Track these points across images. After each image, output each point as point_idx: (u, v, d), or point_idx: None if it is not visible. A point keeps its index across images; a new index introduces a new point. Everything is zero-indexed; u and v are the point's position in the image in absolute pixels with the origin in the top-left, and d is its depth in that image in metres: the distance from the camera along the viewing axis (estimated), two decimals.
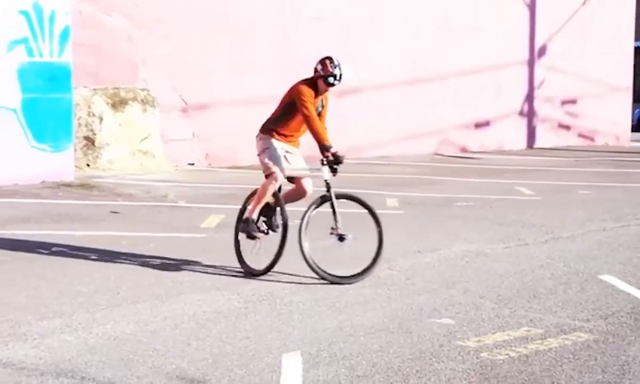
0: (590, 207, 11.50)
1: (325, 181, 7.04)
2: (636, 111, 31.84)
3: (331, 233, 7.00)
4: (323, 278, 6.91)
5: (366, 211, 7.04)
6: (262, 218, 7.30)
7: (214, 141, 17.25)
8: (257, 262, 7.16)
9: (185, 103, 16.82)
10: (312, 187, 7.30)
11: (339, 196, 7.06)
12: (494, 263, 7.84)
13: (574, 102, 24.24)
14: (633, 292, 6.54)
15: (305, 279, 7.05)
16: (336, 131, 19.25)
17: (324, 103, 7.25)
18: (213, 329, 5.56)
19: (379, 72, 20.01)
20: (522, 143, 23.38)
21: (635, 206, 11.61)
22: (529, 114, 23.48)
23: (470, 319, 5.83)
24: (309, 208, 7.04)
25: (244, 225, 7.23)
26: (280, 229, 7.18)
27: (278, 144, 7.22)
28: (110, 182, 13.59)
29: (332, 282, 6.86)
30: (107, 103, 15.28)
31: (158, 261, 7.76)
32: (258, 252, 7.18)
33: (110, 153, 15.21)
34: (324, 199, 7.05)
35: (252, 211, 7.21)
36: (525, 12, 22.98)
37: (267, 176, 7.17)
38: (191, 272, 7.32)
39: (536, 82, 23.21)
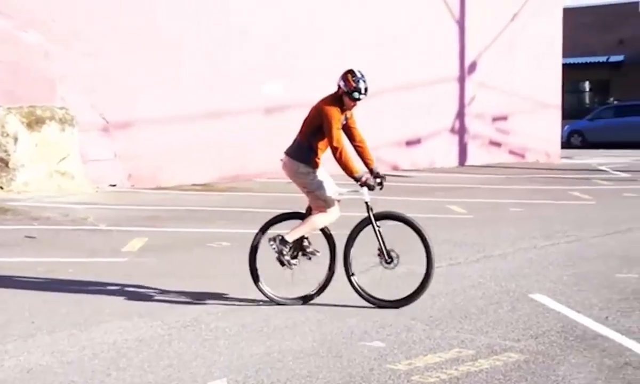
0: (521, 225, 11.76)
1: (366, 203, 6.92)
2: (566, 128, 32.81)
3: (379, 255, 6.96)
4: (378, 306, 6.83)
5: (411, 229, 6.99)
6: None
7: (137, 160, 17.03)
8: (287, 289, 7.05)
9: (106, 121, 16.57)
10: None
11: (380, 217, 6.99)
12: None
13: (504, 119, 24.83)
14: (563, 310, 6.70)
15: (232, 303, 7.02)
16: (264, 149, 19.37)
17: (348, 115, 6.99)
18: (135, 358, 5.47)
19: (309, 89, 20.11)
20: (453, 160, 23.80)
21: (565, 223, 11.93)
22: (460, 131, 23.95)
23: (401, 341, 5.88)
24: (351, 238, 6.97)
25: (280, 245, 6.91)
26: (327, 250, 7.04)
27: (318, 170, 6.95)
28: (26, 205, 13.27)
29: (385, 308, 6.79)
30: (22, 122, 14.94)
31: (77, 287, 7.60)
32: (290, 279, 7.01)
33: (25, 175, 14.86)
34: (363, 224, 7.00)
35: (293, 235, 6.94)
36: (455, 29, 23.48)
37: (315, 207, 6.91)
38: (112, 299, 7.20)
39: (467, 99, 23.71)
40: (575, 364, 5.29)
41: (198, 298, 7.26)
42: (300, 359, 5.46)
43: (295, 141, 7.04)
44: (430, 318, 6.57)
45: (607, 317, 6.47)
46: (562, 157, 26.12)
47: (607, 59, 39.22)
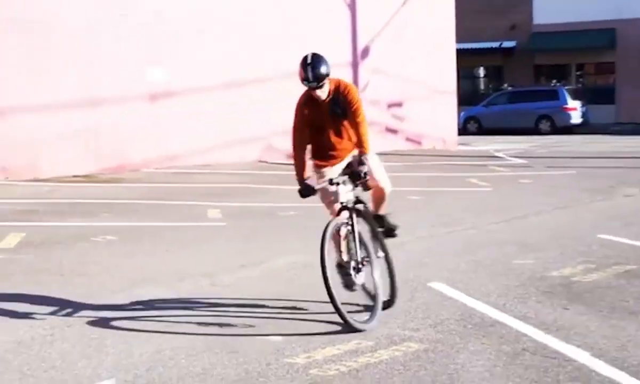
0: (419, 213, 12.01)
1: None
2: (462, 114, 33.64)
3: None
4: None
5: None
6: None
7: (12, 151, 16.47)
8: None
9: None
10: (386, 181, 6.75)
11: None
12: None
13: (400, 105, 25.28)
14: (461, 298, 6.89)
15: (120, 300, 6.90)
16: (150, 137, 19.08)
17: (348, 98, 6.38)
18: (13, 361, 5.31)
19: (197, 75, 19.93)
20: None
21: (463, 210, 12.26)
22: None
23: (299, 334, 5.92)
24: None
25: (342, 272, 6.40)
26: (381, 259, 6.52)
27: (323, 171, 6.61)
28: None
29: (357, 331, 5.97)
30: None
31: None
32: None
33: None
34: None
35: (339, 254, 6.49)
36: (347, 13, 23.71)
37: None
38: None
39: (361, 85, 23.98)
40: (474, 351, 5.46)
41: (82, 295, 7.10)
42: (193, 356, 5.43)
43: None
44: (328, 310, 6.63)
45: (504, 304, 6.69)
46: (459, 144, 26.80)
47: (500, 44, 40.42)
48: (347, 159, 6.62)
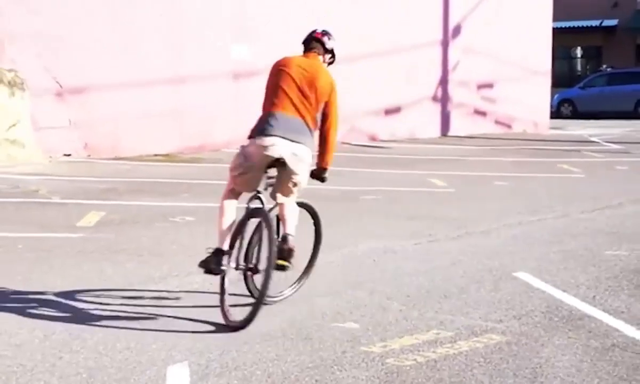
0: (506, 200, 11.84)
1: None
2: (555, 96, 32.98)
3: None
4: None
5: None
6: None
7: (94, 128, 16.90)
8: None
9: (60, 86, 16.40)
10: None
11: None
12: (403, 261, 7.98)
13: (490, 86, 24.90)
14: (548, 290, 6.77)
15: (196, 281, 7.01)
16: (233, 116, 19.23)
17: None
18: (89, 340, 5.45)
19: (282, 54, 19.99)
20: (435, 131, 23.85)
21: (553, 198, 12.03)
22: (443, 100, 23.98)
23: (376, 322, 5.91)
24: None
25: None
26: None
27: None
28: None
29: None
30: None
31: (25, 266, 7.55)
32: None
33: None
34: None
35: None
36: None
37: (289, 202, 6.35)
38: (63, 277, 7.15)
39: (450, 65, 23.72)
40: (559, 346, 5.35)
41: (158, 276, 7.24)
42: (268, 341, 5.48)
43: (296, 122, 6.20)
44: (407, 298, 6.61)
45: (594, 296, 6.54)
46: (551, 128, 26.29)
47: (601, 23, 39.40)
48: None
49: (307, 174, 6.28)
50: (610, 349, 5.27)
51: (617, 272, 7.35)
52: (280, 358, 5.15)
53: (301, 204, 6.51)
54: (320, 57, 6.52)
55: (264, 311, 6.22)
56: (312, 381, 4.77)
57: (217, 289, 6.01)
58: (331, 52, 6.51)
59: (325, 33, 6.56)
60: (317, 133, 6.37)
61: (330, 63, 6.58)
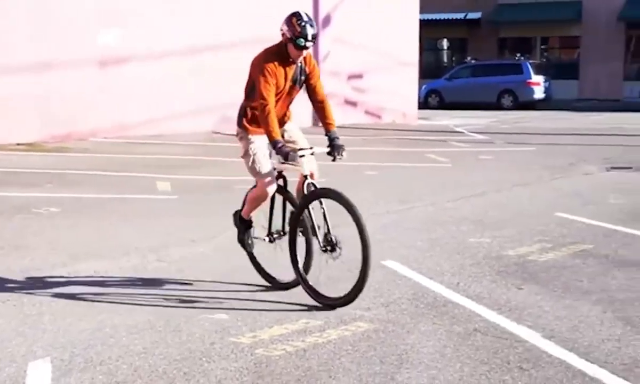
0: (375, 189, 12.02)
1: (304, 176, 6.24)
2: (423, 87, 33.75)
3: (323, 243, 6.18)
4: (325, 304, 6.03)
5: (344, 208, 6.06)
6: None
7: None
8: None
9: None
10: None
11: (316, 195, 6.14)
12: (280, 253, 7.96)
13: (360, 77, 25.24)
14: (415, 277, 6.92)
15: (59, 275, 6.81)
16: (99, 105, 18.83)
17: (309, 70, 6.32)
18: None
19: (150, 41, 19.68)
20: (307, 120, 23.94)
21: (422, 187, 12.30)
22: None
23: (246, 313, 5.90)
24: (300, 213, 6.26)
25: (238, 222, 6.74)
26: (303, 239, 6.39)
27: (257, 139, 6.30)
28: None
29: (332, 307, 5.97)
30: None
31: None
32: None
33: None
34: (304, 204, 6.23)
35: (246, 211, 6.66)
36: None
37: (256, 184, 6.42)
38: None
39: (321, 55, 23.88)
40: (425, 332, 5.48)
41: (21, 269, 7.00)
42: (135, 334, 5.38)
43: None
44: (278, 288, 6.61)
45: (458, 283, 6.73)
46: (419, 118, 26.88)
47: (465, 16, 40.55)
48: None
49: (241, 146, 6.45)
50: (472, 333, 5.43)
51: (480, 259, 7.59)
52: (148, 351, 5.06)
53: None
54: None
55: (131, 303, 6.11)
56: (180, 373, 4.72)
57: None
58: (282, 33, 6.15)
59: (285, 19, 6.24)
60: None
61: (286, 43, 6.14)
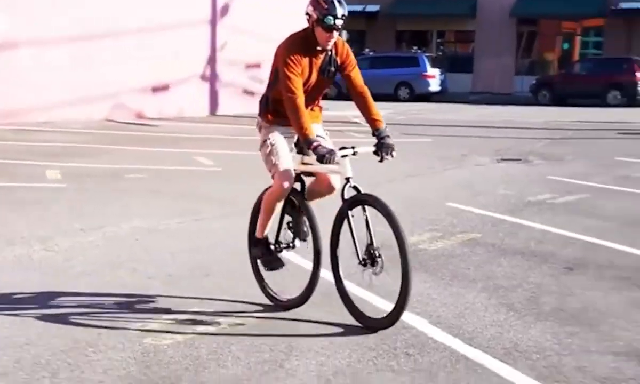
0: (269, 179, 12.00)
1: (346, 179, 5.46)
2: None
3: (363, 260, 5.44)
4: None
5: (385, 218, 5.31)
6: (287, 221, 5.91)
7: None
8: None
9: None
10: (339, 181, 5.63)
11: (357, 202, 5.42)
12: (167, 240, 7.92)
13: (258, 66, 25.17)
14: (309, 267, 6.93)
15: None
16: None
17: (341, 60, 5.58)
18: None
19: (42, 24, 19.15)
20: (204, 110, 23.83)
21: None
22: (212, 79, 24.00)
23: (135, 302, 5.83)
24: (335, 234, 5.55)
25: (256, 250, 5.91)
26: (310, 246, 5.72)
27: (277, 129, 5.62)
28: None
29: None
30: None
31: None
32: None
33: None
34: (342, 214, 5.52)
35: (260, 229, 5.85)
36: None
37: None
38: None
39: (218, 44, 23.76)
40: (316, 320, 5.52)
41: None
42: (16, 325, 5.26)
43: None
44: (169, 277, 6.57)
45: (350, 272, 6.79)
46: None
47: (364, 8, 40.94)
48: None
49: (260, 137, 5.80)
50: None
51: None
52: (31, 343, 4.95)
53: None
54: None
55: (13, 293, 5.96)
56: (64, 364, 4.62)
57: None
58: (308, 16, 5.50)
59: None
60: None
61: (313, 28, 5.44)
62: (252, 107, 25.09)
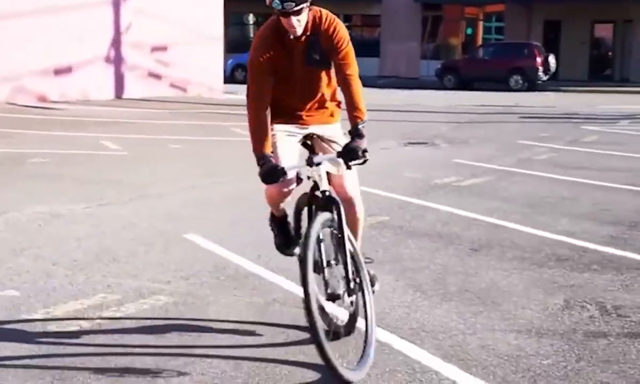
0: (181, 163, 11.93)
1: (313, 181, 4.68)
2: (229, 61, 33.71)
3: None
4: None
5: None
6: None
7: None
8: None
9: None
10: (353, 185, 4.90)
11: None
12: (72, 226, 7.77)
13: (164, 49, 24.88)
14: (216, 250, 6.93)
15: None
16: None
17: (327, 45, 4.65)
18: None
19: None
20: (109, 93, 23.41)
21: (228, 162, 12.30)
22: (116, 61, 23.59)
23: (39, 289, 5.71)
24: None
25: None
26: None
27: (275, 127, 4.84)
28: None
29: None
30: None
31: None
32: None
33: None
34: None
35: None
36: None
37: None
38: None
39: (123, 26, 23.34)
40: (225, 304, 5.51)
41: None
42: None
43: None
44: (74, 263, 6.45)
45: (259, 256, 6.80)
46: (225, 92, 26.86)
47: None
48: (319, 128, 4.90)
49: None
50: (272, 304, 5.53)
51: None
52: None
53: None
54: None
55: None
56: None
57: None
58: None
59: None
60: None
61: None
62: (159, 90, 25.02)
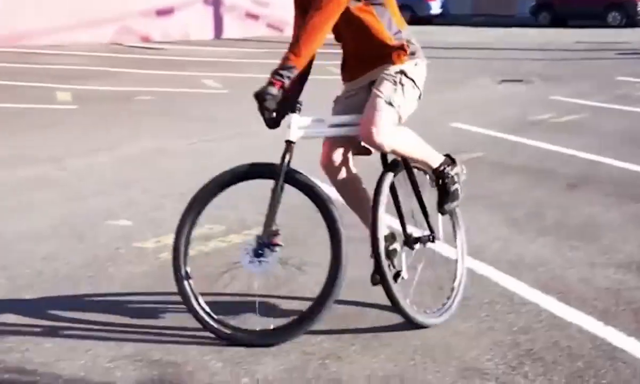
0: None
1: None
2: None
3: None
4: None
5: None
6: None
7: None
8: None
9: None
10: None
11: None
12: (177, 161, 7.94)
13: None
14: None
15: None
16: None
17: None
18: None
19: None
20: (209, 33, 23.61)
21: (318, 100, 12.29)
22: (215, 2, 23.71)
23: (149, 220, 5.88)
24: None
25: None
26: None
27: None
28: None
29: None
30: None
31: None
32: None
33: None
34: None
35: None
36: None
37: None
38: None
39: None
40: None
41: None
42: (36, 240, 5.30)
43: None
44: (181, 195, 6.57)
45: None
46: None
47: None
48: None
49: None
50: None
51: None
52: (51, 256, 5.01)
53: None
54: None
55: (31, 211, 6.01)
56: (85, 277, 4.69)
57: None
58: None
59: None
60: None
61: None
62: (256, 30, 25.06)
